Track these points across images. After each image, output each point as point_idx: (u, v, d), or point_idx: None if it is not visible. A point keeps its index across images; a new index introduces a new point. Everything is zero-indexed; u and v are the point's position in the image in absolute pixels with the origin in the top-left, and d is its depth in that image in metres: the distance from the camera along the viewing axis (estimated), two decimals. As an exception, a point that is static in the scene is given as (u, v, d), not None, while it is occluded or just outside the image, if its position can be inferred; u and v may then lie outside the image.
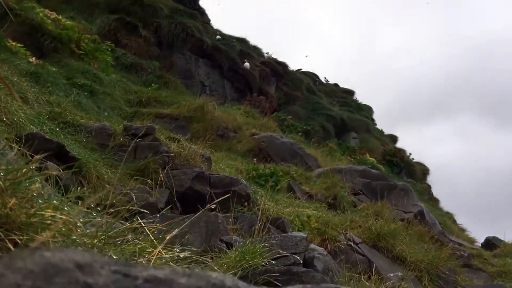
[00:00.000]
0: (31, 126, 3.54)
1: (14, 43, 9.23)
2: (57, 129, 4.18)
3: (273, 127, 11.82)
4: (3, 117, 3.30)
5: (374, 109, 25.27)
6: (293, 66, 23.00)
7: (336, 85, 25.92)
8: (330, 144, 13.12)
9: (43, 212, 1.36)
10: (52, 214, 1.38)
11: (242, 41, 21.60)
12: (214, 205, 4.27)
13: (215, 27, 25.56)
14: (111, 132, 4.66)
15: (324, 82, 25.24)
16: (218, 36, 19.87)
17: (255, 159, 8.85)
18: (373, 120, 23.77)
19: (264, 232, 3.49)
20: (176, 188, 4.43)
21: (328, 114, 18.30)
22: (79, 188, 3.42)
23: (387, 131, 24.11)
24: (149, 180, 4.15)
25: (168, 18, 19.06)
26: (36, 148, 3.42)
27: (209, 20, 33.61)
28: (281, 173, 6.77)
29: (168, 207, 4.10)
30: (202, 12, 34.01)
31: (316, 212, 5.17)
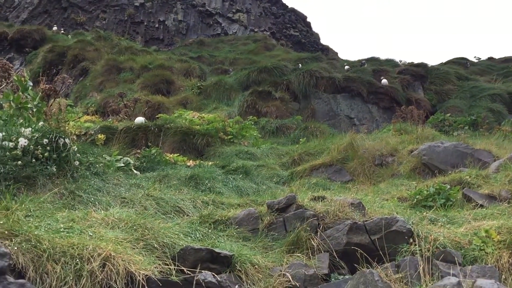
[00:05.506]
0: (181, 242, 3.87)
1: (171, 155, 10.32)
2: (209, 231, 4.49)
3: (431, 133, 10.96)
4: (154, 243, 3.68)
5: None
6: (434, 61, 21.43)
7: (491, 58, 23.34)
8: (503, 127, 11.62)
9: None
10: None
11: (372, 60, 21.10)
12: (376, 257, 4.05)
13: (342, 58, 25.52)
14: (257, 215, 4.83)
15: (476, 61, 22.89)
16: (346, 67, 19.74)
17: (420, 177, 8.25)
18: (550, 77, 20.55)
19: (430, 275, 3.16)
20: (335, 248, 4.33)
21: (491, 94, 16.37)
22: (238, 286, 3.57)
23: None
24: (302, 254, 4.13)
25: (294, 71, 19.67)
26: (190, 260, 3.71)
27: (336, 54, 33.80)
28: (448, 186, 6.16)
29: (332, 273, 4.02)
30: (325, 49, 34.46)
31: (496, 221, 4.52)
